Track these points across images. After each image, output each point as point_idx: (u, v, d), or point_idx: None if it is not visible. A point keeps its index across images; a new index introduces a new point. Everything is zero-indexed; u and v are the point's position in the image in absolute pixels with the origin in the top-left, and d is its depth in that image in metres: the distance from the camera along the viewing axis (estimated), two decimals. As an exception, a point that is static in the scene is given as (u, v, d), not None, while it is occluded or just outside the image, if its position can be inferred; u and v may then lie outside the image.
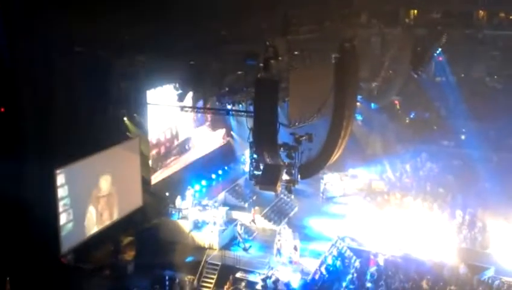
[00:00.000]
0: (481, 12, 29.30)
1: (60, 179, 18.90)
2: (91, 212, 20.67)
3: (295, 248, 22.48)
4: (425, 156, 32.24)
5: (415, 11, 29.16)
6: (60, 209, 18.96)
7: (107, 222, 21.61)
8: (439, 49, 29.21)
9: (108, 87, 20.65)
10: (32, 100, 18.03)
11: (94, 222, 20.93)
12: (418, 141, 33.40)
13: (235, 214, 25.86)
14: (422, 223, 24.38)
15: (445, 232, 23.74)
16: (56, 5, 17.30)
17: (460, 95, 33.42)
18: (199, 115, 27.90)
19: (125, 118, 22.40)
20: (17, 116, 17.89)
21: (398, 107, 35.19)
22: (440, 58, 31.98)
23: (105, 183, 21.14)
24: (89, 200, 20.47)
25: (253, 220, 25.32)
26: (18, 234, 17.69)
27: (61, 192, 19.01)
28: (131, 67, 20.87)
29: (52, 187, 18.63)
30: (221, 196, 27.25)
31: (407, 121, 36.16)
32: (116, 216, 22.03)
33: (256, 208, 25.94)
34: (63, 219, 19.14)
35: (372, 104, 31.85)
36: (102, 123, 20.98)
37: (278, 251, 22.85)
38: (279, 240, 23.07)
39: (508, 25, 29.88)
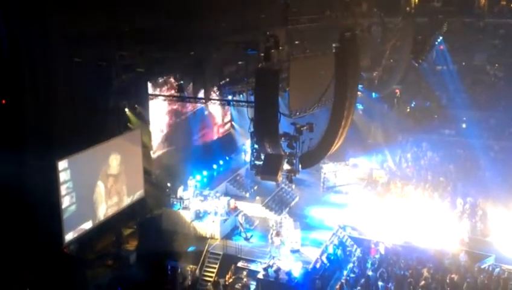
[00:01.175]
0: (482, 1, 29.13)
1: (62, 164, 19.01)
2: (100, 187, 20.93)
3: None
4: (426, 145, 32.25)
5: (416, 0, 28.98)
6: (63, 192, 19.10)
7: (115, 200, 21.86)
8: (440, 38, 29.12)
9: (110, 79, 20.64)
10: (33, 92, 18.03)
11: (103, 198, 21.10)
12: (418, 130, 33.38)
13: (237, 204, 25.86)
14: (423, 212, 24.43)
15: (446, 221, 23.81)
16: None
17: (461, 83, 33.40)
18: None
19: (126, 110, 22.44)
20: (18, 108, 17.91)
21: (398, 96, 35.13)
22: (441, 47, 31.94)
23: (115, 161, 21.40)
24: (97, 178, 20.78)
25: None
26: (21, 224, 17.78)
27: (64, 176, 19.13)
28: (132, 59, 20.84)
29: (54, 177, 18.68)
30: (222, 186, 27.32)
31: (408, 110, 36.14)
32: (124, 197, 22.31)
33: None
34: (66, 202, 19.29)
35: (373, 94, 31.78)
36: (103, 115, 21.04)
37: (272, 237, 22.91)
38: (273, 228, 23.07)
39: (509, 13, 29.73)
